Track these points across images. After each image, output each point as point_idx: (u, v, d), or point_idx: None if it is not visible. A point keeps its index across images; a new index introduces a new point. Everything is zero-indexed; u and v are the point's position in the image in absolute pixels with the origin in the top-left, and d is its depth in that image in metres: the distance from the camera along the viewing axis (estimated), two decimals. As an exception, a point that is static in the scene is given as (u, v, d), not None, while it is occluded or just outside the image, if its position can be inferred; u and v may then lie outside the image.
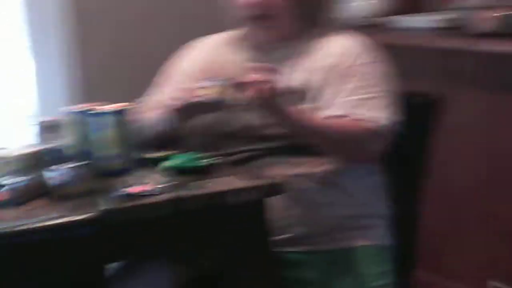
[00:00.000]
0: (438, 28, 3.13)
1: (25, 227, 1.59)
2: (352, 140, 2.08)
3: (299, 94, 2.10)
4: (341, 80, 2.11)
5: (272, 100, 1.97)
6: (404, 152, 2.22)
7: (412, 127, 2.20)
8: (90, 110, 1.93)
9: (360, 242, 2.14)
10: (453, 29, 3.05)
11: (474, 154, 3.05)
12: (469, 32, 2.87)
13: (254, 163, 2.10)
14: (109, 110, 1.93)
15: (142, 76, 2.35)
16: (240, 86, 1.96)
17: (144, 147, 2.13)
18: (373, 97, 2.09)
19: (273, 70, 1.99)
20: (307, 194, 2.10)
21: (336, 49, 2.16)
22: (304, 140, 2.08)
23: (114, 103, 2.15)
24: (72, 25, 3.43)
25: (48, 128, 2.28)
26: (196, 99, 1.99)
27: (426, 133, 2.27)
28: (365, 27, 3.45)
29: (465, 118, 3.02)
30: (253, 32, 2.22)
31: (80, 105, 1.97)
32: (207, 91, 1.98)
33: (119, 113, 1.93)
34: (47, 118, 2.24)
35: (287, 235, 2.10)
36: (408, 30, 3.26)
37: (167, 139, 2.15)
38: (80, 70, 3.45)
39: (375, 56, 2.16)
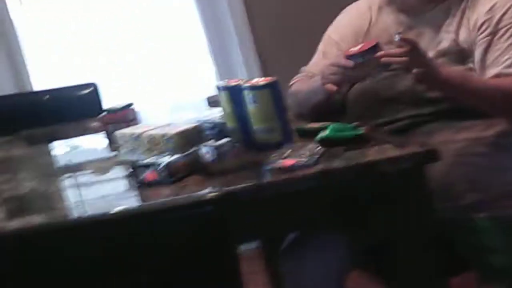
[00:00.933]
0: None
1: (172, 204, 1.62)
2: None
3: (451, 56, 2.02)
4: (494, 37, 2.01)
5: (422, 70, 1.90)
6: None
7: None
8: (244, 84, 1.94)
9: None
10: None
11: None
12: None
13: (420, 129, 2.04)
14: (263, 83, 1.92)
15: (310, 46, 2.35)
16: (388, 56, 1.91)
17: (301, 119, 2.13)
18: None
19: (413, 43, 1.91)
20: (478, 159, 2.01)
21: (485, 5, 2.05)
22: (467, 103, 1.99)
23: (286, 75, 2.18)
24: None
25: (213, 103, 2.34)
26: (349, 63, 1.95)
27: None
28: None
29: None
30: None
31: (232, 80, 1.98)
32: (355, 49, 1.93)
33: (273, 85, 1.92)
34: (213, 93, 2.30)
35: (463, 201, 2.02)
36: None
37: (325, 109, 2.14)
38: (253, 44, 3.50)
39: None
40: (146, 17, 3.59)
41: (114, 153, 2.13)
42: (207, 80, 3.58)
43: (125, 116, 2.32)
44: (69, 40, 3.46)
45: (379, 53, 1.90)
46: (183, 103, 3.27)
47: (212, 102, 2.31)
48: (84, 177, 2.05)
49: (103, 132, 2.34)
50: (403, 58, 1.88)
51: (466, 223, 2.01)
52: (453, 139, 2.00)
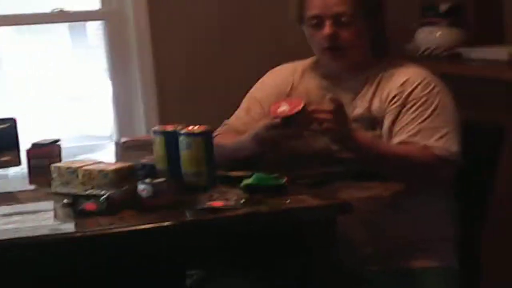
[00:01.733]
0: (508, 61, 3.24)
1: (117, 230, 1.77)
2: (421, 166, 2.21)
3: (362, 122, 2.25)
4: (403, 109, 2.25)
5: (340, 130, 2.13)
6: (471, 177, 2.34)
7: (480, 153, 2.34)
8: (179, 130, 2.11)
9: (424, 264, 2.26)
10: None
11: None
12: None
13: (329, 185, 2.24)
14: (198, 131, 2.11)
15: (215, 100, 2.52)
16: (312, 113, 2.12)
17: (226, 166, 2.31)
18: (438, 126, 2.23)
19: (340, 104, 2.15)
20: (375, 216, 2.23)
21: (399, 80, 2.30)
22: (373, 166, 2.21)
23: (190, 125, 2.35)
24: (148, 50, 3.63)
25: (130, 147, 2.51)
26: (274, 120, 2.15)
27: (493, 159, 2.38)
28: (434, 57, 3.59)
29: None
30: (326, 61, 2.37)
31: (165, 126, 2.16)
32: (283, 109, 2.13)
33: (207, 134, 2.11)
34: (129, 138, 2.46)
35: (358, 254, 2.24)
36: (478, 61, 3.38)
37: (248, 160, 2.33)
38: (156, 95, 3.66)
39: (437, 87, 2.28)
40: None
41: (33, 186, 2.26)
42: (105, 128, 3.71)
43: (50, 151, 2.44)
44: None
45: (311, 108, 2.10)
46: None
47: (131, 146, 2.49)
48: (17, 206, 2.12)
49: (25, 164, 2.44)
50: (329, 116, 2.09)
51: (362, 275, 2.22)
52: (356, 197, 2.18)
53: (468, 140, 2.28)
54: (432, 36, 3.65)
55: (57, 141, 2.47)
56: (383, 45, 2.43)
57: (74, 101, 3.74)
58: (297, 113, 2.10)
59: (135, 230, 1.80)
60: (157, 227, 1.81)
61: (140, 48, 3.63)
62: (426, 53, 3.64)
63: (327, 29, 2.28)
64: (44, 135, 3.40)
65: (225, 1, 3.64)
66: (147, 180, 1.96)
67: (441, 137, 2.22)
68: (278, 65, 2.51)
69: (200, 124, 2.12)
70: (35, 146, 2.47)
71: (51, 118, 3.70)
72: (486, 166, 2.37)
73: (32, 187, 2.31)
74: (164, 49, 3.64)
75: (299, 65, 2.46)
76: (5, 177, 2.51)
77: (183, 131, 2.10)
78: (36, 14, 3.62)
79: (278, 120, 2.12)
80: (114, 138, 3.49)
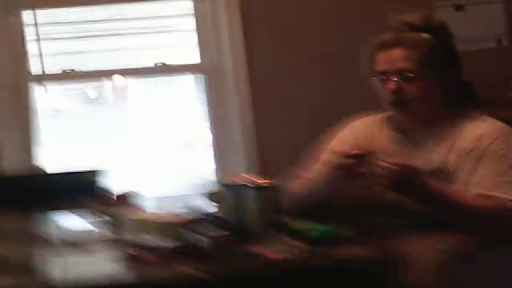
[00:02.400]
0: None
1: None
2: (497, 220, 2.15)
3: (436, 176, 2.20)
4: (480, 162, 2.20)
5: (405, 185, 2.10)
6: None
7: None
8: (247, 183, 2.16)
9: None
10: None
11: None
12: None
13: (398, 236, 2.21)
14: (265, 185, 2.16)
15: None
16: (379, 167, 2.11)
17: (290, 216, 2.31)
18: None
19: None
20: (446, 269, 2.17)
21: (473, 134, 2.25)
22: (448, 216, 2.17)
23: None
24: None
25: (212, 196, 2.55)
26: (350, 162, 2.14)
27: None
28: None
29: None
30: (395, 115, 2.36)
31: (233, 178, 2.20)
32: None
33: (274, 188, 2.17)
34: (213, 188, 2.50)
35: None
36: None
37: (313, 210, 2.33)
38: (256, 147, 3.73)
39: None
40: (157, 113, 3.84)
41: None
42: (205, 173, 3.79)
43: (126, 200, 2.53)
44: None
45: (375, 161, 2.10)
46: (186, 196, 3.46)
47: (212, 198, 2.53)
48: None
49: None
50: (385, 174, 2.08)
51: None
52: (425, 248, 2.16)
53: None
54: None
55: (132, 191, 2.55)
56: (459, 100, 2.37)
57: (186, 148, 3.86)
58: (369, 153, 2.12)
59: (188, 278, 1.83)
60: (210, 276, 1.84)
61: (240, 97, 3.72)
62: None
63: (391, 84, 2.28)
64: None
65: (327, 63, 3.71)
66: (208, 232, 2.00)
67: None
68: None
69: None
70: (113, 195, 2.57)
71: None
72: None
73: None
74: (263, 100, 3.73)
75: (377, 118, 2.46)
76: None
77: (251, 185, 2.14)
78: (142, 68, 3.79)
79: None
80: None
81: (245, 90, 3.72)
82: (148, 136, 3.82)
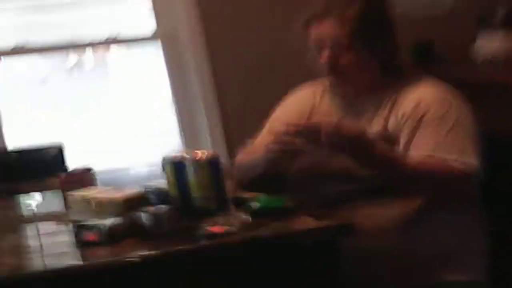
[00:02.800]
0: None
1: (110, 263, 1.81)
2: (441, 180, 2.17)
3: (380, 138, 2.21)
4: (419, 125, 2.20)
5: (354, 144, 2.10)
6: (497, 188, 2.27)
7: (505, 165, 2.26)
8: (187, 157, 2.14)
9: (452, 278, 2.21)
10: None
11: None
12: None
13: (346, 205, 2.22)
14: (205, 158, 2.12)
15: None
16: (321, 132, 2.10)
17: (241, 188, 2.32)
18: (456, 140, 2.17)
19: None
20: (396, 234, 2.19)
21: (415, 96, 2.25)
22: (394, 179, 2.17)
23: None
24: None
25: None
26: (287, 144, 2.14)
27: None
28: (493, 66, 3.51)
29: None
30: (335, 83, 2.35)
31: (178, 152, 2.18)
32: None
33: (213, 160, 2.11)
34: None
35: (383, 269, 2.20)
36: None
37: (262, 181, 2.33)
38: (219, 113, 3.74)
39: (454, 102, 2.24)
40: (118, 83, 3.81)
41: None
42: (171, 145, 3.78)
43: (82, 179, 2.51)
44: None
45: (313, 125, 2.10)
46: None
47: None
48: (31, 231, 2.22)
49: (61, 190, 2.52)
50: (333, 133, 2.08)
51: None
52: (376, 214, 2.19)
53: (492, 152, 2.21)
54: (490, 43, 3.54)
55: (89, 169, 2.52)
56: (396, 66, 2.36)
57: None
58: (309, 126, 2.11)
59: (131, 261, 1.82)
60: (153, 255, 1.83)
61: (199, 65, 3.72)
62: (485, 61, 3.54)
63: (325, 55, 2.28)
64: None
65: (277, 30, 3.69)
66: (150, 208, 1.99)
67: (459, 151, 2.17)
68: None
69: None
70: (68, 173, 2.54)
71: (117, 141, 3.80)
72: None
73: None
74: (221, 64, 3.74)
75: (319, 85, 2.45)
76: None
77: (188, 158, 2.11)
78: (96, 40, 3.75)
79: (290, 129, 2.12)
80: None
81: (203, 55, 3.72)
82: (107, 107, 3.79)
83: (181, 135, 3.82)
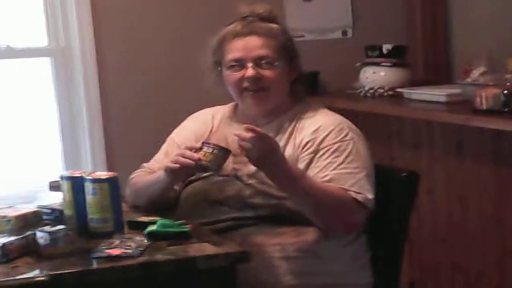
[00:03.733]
0: (446, 102, 3.28)
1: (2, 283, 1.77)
2: (339, 205, 2.20)
3: None
4: (316, 155, 2.25)
5: (266, 154, 2.12)
6: (385, 222, 2.36)
7: (394, 199, 2.36)
8: (85, 175, 2.12)
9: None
10: (459, 104, 3.20)
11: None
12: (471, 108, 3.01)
13: (240, 232, 2.24)
14: (105, 177, 2.11)
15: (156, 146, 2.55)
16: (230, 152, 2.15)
17: (136, 210, 2.32)
18: (352, 172, 2.23)
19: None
20: (287, 263, 2.22)
21: (311, 127, 2.30)
22: (294, 199, 2.20)
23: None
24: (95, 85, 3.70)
25: (56, 188, 2.50)
26: (190, 160, 2.16)
27: (407, 204, 2.38)
28: (377, 97, 3.65)
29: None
30: (245, 105, 2.38)
31: (74, 171, 2.17)
32: (202, 154, 2.15)
33: (112, 180, 2.11)
34: (55, 178, 2.46)
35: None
36: (417, 102, 3.42)
37: (159, 203, 2.34)
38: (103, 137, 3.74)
39: (350, 133, 2.29)
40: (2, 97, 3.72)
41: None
42: (52, 164, 3.74)
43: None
44: None
45: (235, 133, 2.14)
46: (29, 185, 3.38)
47: (54, 187, 2.49)
48: None
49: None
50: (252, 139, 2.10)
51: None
52: (267, 243, 2.22)
53: (384, 186, 2.30)
54: (375, 75, 3.69)
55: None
56: (301, 91, 2.43)
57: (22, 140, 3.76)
58: (220, 147, 2.15)
59: (25, 281, 1.80)
60: (47, 276, 1.81)
61: (86, 83, 3.69)
62: (369, 92, 3.68)
63: (249, 71, 2.31)
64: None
65: (174, 51, 3.75)
66: (46, 228, 1.97)
67: (355, 183, 2.22)
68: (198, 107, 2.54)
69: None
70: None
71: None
72: (401, 212, 2.37)
73: None
74: (110, 84, 3.72)
75: (219, 110, 2.48)
76: None
77: (88, 177, 2.10)
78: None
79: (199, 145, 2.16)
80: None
81: (93, 74, 3.70)
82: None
83: (62, 155, 3.78)
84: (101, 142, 3.74)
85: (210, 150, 2.17)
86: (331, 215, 2.22)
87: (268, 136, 2.14)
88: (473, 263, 3.14)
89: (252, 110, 2.38)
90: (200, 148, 2.17)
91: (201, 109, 2.54)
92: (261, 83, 2.32)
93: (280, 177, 2.17)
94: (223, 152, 2.17)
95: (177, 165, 2.19)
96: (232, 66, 2.34)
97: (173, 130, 2.53)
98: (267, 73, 2.31)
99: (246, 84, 2.32)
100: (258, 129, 2.13)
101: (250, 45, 2.32)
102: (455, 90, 3.29)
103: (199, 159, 2.15)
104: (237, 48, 2.33)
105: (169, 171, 2.23)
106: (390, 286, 2.39)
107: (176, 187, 2.36)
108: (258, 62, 2.31)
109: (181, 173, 2.23)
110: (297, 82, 2.40)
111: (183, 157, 2.17)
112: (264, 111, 2.37)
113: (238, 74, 2.33)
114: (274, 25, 2.37)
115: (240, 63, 2.33)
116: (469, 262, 3.16)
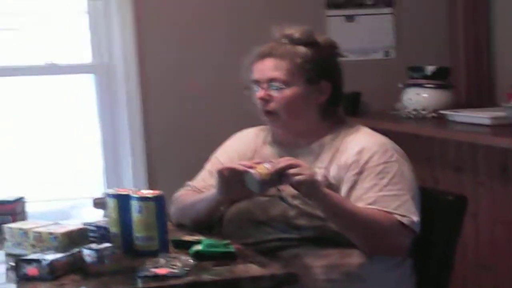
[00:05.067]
0: (490, 125, 3.24)
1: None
2: (383, 230, 2.19)
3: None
4: (360, 176, 2.24)
5: (312, 184, 2.13)
6: (431, 246, 2.33)
7: (440, 223, 2.33)
8: (131, 193, 2.13)
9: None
10: (504, 127, 3.17)
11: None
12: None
13: (283, 253, 2.23)
14: (151, 196, 2.12)
15: (200, 154, 2.56)
16: (281, 172, 2.13)
17: (180, 228, 2.32)
18: (397, 194, 2.22)
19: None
20: (332, 285, 2.20)
21: (353, 148, 2.29)
22: (337, 225, 2.20)
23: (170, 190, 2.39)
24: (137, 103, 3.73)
25: (99, 205, 2.51)
26: (243, 168, 2.17)
27: (454, 229, 2.36)
28: (420, 119, 3.62)
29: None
30: (272, 128, 2.39)
31: (119, 189, 2.17)
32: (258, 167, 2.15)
33: (159, 198, 2.11)
34: (99, 195, 2.47)
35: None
36: (461, 124, 3.39)
37: (204, 223, 2.34)
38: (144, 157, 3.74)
39: (395, 155, 2.27)
40: (46, 114, 3.75)
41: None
42: (94, 180, 3.76)
43: (14, 209, 2.46)
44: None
45: (284, 160, 2.15)
46: (71, 202, 3.40)
47: (98, 204, 2.50)
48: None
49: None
50: (299, 169, 2.12)
51: None
52: (312, 265, 2.20)
53: (429, 209, 2.28)
54: (418, 97, 3.67)
55: (21, 198, 2.48)
56: (336, 113, 2.41)
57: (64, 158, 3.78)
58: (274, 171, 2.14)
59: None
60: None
61: (129, 100, 3.71)
62: (412, 113, 3.65)
63: (260, 93, 2.32)
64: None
65: (217, 71, 3.76)
66: (93, 245, 1.97)
67: (400, 205, 2.21)
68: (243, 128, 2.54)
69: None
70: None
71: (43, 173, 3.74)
72: (447, 237, 2.34)
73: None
74: (152, 101, 3.73)
75: (262, 130, 2.48)
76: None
77: (135, 195, 2.11)
78: (30, 67, 3.70)
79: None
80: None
81: (135, 92, 3.72)
82: (36, 137, 3.73)
83: (104, 172, 3.79)
84: (143, 159, 3.75)
85: (267, 169, 2.15)
86: (375, 240, 2.21)
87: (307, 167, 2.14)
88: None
89: (284, 135, 2.38)
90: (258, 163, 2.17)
91: (243, 128, 2.54)
92: (269, 105, 2.32)
93: (323, 205, 2.17)
94: (277, 177, 2.15)
95: (230, 167, 2.20)
96: (254, 87, 2.35)
97: (214, 148, 2.53)
98: (276, 95, 2.31)
99: (259, 105, 2.34)
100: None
101: (265, 66, 2.33)
102: (500, 113, 3.26)
103: (252, 167, 2.14)
104: (256, 70, 2.35)
105: (220, 175, 2.22)
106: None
107: (221, 207, 2.36)
108: (269, 84, 2.32)
109: (231, 183, 2.21)
110: (331, 104, 2.36)
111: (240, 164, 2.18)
112: (292, 134, 2.36)
113: (256, 96, 2.34)
114: (298, 47, 2.33)
115: (258, 85, 2.34)
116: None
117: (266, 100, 2.31)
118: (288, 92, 2.30)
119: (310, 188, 2.15)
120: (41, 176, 3.72)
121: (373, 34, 4.01)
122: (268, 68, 2.32)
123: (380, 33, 4.02)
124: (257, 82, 2.34)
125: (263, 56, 2.34)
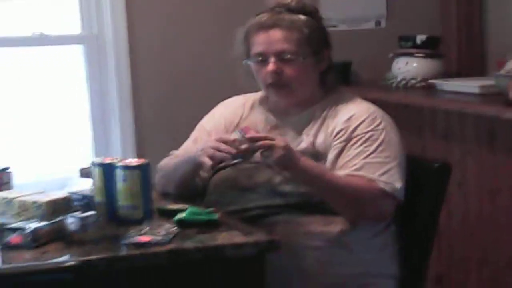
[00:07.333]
0: (479, 94, 3.25)
1: (31, 268, 1.78)
2: (366, 198, 2.21)
3: (306, 156, 2.23)
4: (347, 144, 2.25)
5: (286, 157, 2.13)
6: (415, 213, 2.34)
7: (425, 190, 2.34)
8: (116, 162, 2.13)
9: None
10: (493, 95, 3.17)
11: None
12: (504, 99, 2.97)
13: (267, 220, 2.24)
14: (135, 164, 2.12)
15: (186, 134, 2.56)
16: (256, 141, 2.14)
17: (165, 197, 2.33)
18: (382, 161, 2.23)
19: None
20: (315, 252, 2.22)
21: (344, 115, 2.30)
22: (320, 194, 2.21)
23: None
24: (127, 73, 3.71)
25: (86, 174, 2.51)
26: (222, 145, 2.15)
27: (438, 195, 2.37)
28: (409, 88, 3.62)
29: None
30: (272, 97, 2.39)
31: (105, 158, 2.17)
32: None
33: (143, 167, 2.12)
34: (85, 165, 2.47)
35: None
36: (450, 93, 3.39)
37: (188, 189, 2.35)
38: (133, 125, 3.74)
39: (382, 123, 2.28)
40: (34, 85, 3.74)
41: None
42: (83, 151, 3.76)
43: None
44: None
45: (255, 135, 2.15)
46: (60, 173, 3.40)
47: (84, 173, 2.50)
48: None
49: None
50: (271, 141, 2.12)
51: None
52: (296, 232, 2.21)
53: (415, 177, 2.29)
54: (408, 66, 3.67)
55: (6, 168, 2.47)
56: (331, 81, 2.42)
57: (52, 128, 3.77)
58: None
59: (55, 266, 1.80)
60: (77, 262, 1.82)
61: (118, 70, 3.70)
62: (402, 83, 3.65)
63: (270, 66, 2.30)
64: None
65: (206, 42, 3.74)
66: (76, 214, 1.98)
67: (385, 172, 2.22)
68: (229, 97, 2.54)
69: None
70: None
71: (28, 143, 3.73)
72: (431, 203, 2.35)
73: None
74: (141, 71, 3.72)
75: (249, 98, 2.48)
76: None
77: (119, 164, 2.11)
78: (18, 38, 3.69)
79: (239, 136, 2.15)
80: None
81: (125, 63, 3.70)
82: (24, 109, 3.72)
83: (93, 142, 3.79)
84: (132, 129, 3.75)
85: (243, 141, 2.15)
86: (357, 208, 2.22)
87: (281, 145, 2.14)
88: (502, 257, 3.10)
89: (279, 103, 2.38)
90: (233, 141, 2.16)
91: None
92: (283, 78, 2.31)
93: (302, 178, 2.19)
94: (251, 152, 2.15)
95: (212, 162, 2.18)
96: (257, 60, 2.34)
97: (203, 118, 2.53)
98: (288, 69, 2.30)
99: (269, 80, 2.32)
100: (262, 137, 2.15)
101: (272, 38, 2.31)
102: (489, 82, 3.25)
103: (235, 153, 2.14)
104: (260, 42, 2.33)
105: (200, 164, 2.23)
106: (417, 278, 2.37)
107: (205, 174, 2.37)
108: (280, 56, 2.30)
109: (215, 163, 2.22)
110: (327, 72, 2.39)
111: (218, 150, 2.16)
112: (293, 103, 2.37)
113: (263, 70, 2.32)
114: (300, 17, 2.34)
115: (263, 57, 2.32)
116: (497, 256, 3.13)
117: (277, 73, 2.30)
118: (299, 64, 2.30)
119: (285, 164, 2.15)
120: (30, 148, 3.71)
121: (364, 4, 3.99)
122: (276, 40, 2.30)
123: (371, 3, 4.00)
124: (262, 54, 2.32)
125: (266, 27, 2.32)
